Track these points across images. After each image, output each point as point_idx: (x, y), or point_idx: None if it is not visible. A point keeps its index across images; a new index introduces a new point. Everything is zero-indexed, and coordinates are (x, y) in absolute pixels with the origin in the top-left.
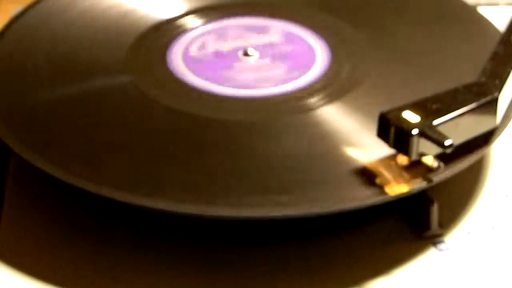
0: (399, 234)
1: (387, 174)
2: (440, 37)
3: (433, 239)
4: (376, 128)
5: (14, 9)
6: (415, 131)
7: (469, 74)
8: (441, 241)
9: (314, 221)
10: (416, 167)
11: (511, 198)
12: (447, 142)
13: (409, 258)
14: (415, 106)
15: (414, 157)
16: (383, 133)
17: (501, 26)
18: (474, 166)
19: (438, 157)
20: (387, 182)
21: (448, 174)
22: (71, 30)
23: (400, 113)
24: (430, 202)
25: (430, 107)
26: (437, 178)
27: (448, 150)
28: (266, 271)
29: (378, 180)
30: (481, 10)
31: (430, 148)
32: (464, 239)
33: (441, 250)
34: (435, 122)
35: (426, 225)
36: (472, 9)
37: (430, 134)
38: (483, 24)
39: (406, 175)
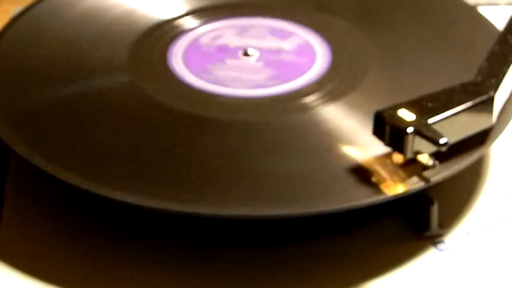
0: (399, 234)
1: (382, 172)
2: (440, 37)
3: (433, 239)
4: (372, 126)
5: (14, 9)
6: (410, 130)
7: (469, 74)
8: (441, 241)
9: (313, 221)
10: (411, 165)
11: (511, 198)
12: (442, 141)
13: (409, 258)
14: (410, 105)
15: (409, 155)
16: (378, 132)
17: (501, 26)
18: (474, 166)
19: (434, 155)
20: (383, 180)
21: (448, 174)
22: (71, 30)
23: (396, 112)
24: (430, 202)
25: (426, 106)
26: (436, 178)
27: (443, 149)
28: (266, 271)
29: (374, 179)
30: (481, 10)
31: (425, 146)
32: (464, 239)
33: (441, 250)
34: (430, 120)
35: (426, 225)
36: (472, 9)
37: (425, 133)
38: (483, 24)
39: (401, 173)
